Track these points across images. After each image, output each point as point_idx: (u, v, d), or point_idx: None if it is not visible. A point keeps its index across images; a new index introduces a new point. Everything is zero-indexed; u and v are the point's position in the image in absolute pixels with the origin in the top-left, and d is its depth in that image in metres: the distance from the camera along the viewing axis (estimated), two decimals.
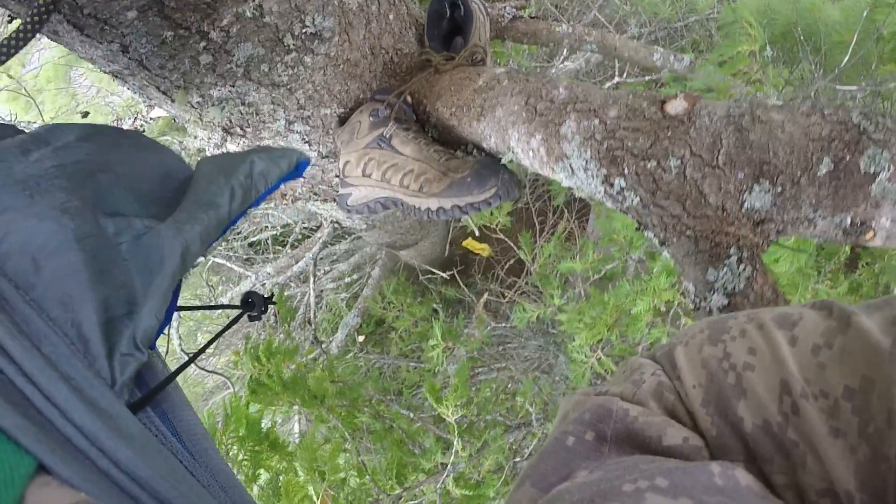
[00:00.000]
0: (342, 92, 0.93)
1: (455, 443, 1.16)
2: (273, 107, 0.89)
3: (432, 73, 0.90)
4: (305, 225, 1.75)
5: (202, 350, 0.56)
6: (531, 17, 1.03)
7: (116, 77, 0.82)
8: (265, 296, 0.62)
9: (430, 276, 1.93)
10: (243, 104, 0.86)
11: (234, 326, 0.63)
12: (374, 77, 0.94)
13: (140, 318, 0.37)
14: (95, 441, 0.30)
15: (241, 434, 1.22)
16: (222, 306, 0.69)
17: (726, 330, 0.35)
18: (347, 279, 1.96)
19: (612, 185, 0.64)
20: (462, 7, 0.94)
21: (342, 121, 0.96)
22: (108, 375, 0.34)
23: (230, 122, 0.90)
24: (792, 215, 0.56)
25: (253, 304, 0.60)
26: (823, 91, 1.71)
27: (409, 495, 1.19)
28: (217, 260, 1.87)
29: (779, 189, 0.56)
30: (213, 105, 0.85)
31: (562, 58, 1.83)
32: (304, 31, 0.84)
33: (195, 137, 1.05)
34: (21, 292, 0.33)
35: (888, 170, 0.51)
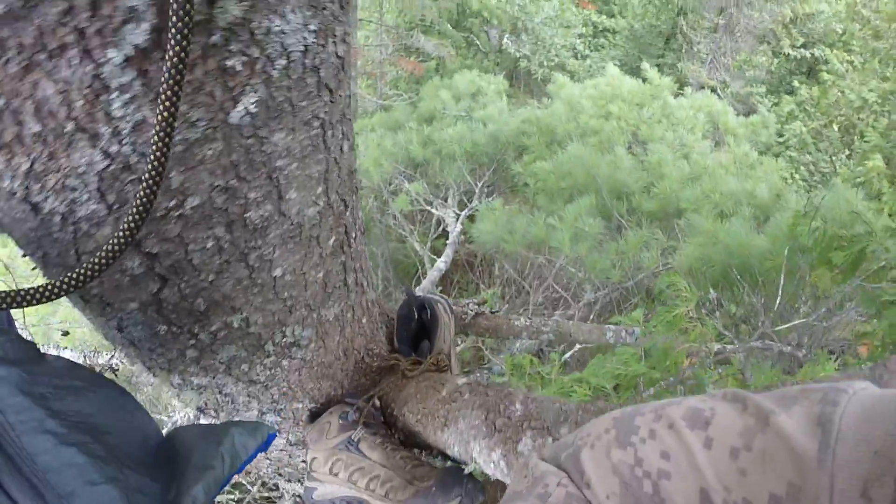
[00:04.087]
0: (314, 389, 0.98)
1: None
2: (248, 399, 0.93)
3: (399, 377, 0.97)
4: (266, 495, 1.64)
5: None
6: (492, 313, 1.16)
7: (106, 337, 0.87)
8: None
9: None
10: (220, 393, 0.90)
11: None
12: (345, 375, 1.01)
13: None
14: None
15: None
16: None
17: (634, 430, 0.33)
18: None
19: None
20: (429, 310, 1.07)
21: (313, 415, 0.99)
22: None
23: (205, 405, 0.92)
24: None
25: None
26: (764, 334, 1.86)
27: None
28: None
29: None
30: (192, 389, 0.89)
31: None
32: (283, 339, 0.93)
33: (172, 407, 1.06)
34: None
35: None
